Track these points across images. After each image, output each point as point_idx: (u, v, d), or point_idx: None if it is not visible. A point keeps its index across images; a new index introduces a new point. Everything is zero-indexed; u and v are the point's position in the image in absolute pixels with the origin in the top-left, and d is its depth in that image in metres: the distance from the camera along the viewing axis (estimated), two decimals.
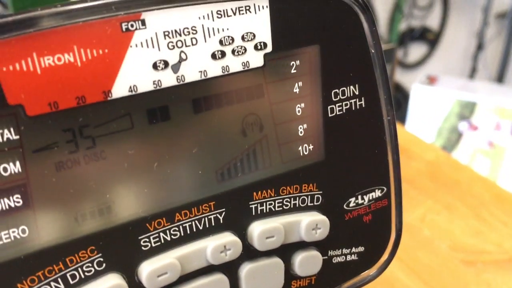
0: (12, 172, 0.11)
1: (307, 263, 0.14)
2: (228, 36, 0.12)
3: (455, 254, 0.43)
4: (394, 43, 0.62)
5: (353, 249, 0.15)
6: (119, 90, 0.11)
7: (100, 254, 0.12)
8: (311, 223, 0.14)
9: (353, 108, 0.14)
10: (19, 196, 0.11)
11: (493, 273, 0.41)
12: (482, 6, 2.06)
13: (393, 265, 0.42)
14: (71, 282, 0.12)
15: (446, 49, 2.14)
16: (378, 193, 0.16)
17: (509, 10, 2.19)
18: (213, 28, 0.12)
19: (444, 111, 1.61)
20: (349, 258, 0.15)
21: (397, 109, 1.93)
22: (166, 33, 0.12)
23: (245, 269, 0.13)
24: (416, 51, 2.12)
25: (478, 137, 1.59)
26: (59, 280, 0.12)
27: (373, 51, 0.14)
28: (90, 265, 0.12)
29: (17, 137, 0.10)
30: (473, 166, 1.63)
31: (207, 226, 0.13)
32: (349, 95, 0.14)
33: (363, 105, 0.15)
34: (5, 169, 0.11)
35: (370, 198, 0.16)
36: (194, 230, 0.13)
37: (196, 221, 0.13)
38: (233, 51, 0.12)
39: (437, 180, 0.54)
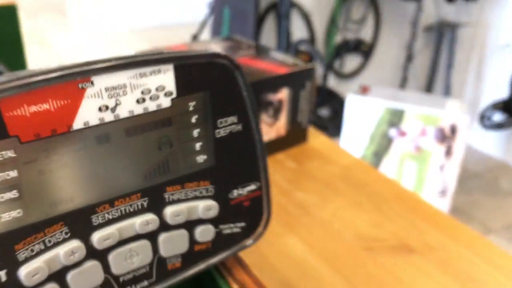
0: (12, 176, 0.17)
1: (204, 233, 0.21)
2: (147, 88, 0.19)
3: (358, 242, 0.52)
4: (313, 63, 0.71)
5: (237, 224, 0.23)
6: (77, 125, 0.18)
7: (66, 227, 0.19)
8: (205, 207, 0.21)
9: (234, 131, 0.22)
10: (16, 191, 0.17)
11: (387, 257, 0.50)
12: (410, 20, 2.21)
13: (306, 252, 0.51)
14: (48, 245, 0.18)
15: (379, 60, 2.28)
16: (253, 187, 0.24)
17: (435, 23, 2.36)
18: (137, 84, 0.19)
19: (375, 119, 1.73)
20: (234, 230, 0.23)
21: (334, 117, 2.04)
22: (107, 88, 0.19)
23: (162, 237, 0.20)
24: (351, 62, 2.24)
25: (406, 142, 1.72)
26: (41, 243, 0.18)
27: (245, 93, 0.22)
28: (60, 234, 0.18)
29: (15, 155, 0.17)
30: (403, 169, 1.75)
31: (136, 209, 0.20)
32: (230, 123, 0.22)
33: (240, 129, 0.22)
34: (8, 175, 0.17)
35: (248, 190, 0.23)
36: (127, 212, 0.20)
37: (129, 206, 0.20)
38: (150, 98, 0.20)
39: (348, 181, 0.63)
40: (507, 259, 0.50)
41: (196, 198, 0.21)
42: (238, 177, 0.22)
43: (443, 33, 2.37)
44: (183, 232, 0.21)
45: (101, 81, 0.18)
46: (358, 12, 2.15)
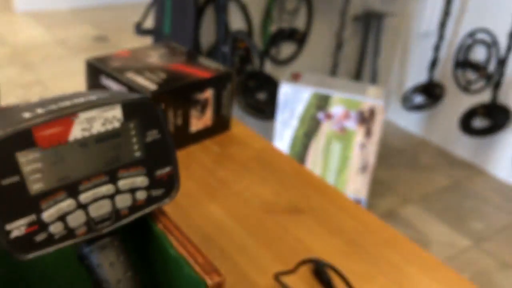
0: (38, 166, 0.33)
1: (141, 195, 0.38)
2: (106, 117, 0.35)
3: (261, 207, 0.70)
4: (232, 68, 0.87)
5: (159, 190, 0.39)
6: (70, 138, 0.34)
7: (66, 192, 0.34)
8: (141, 180, 0.37)
9: (156, 138, 0.38)
10: (40, 174, 0.33)
11: (283, 217, 0.69)
12: (340, 10, 2.40)
13: (223, 215, 0.69)
14: (56, 201, 0.34)
15: (311, 47, 2.46)
16: (168, 168, 0.40)
17: (362, 13, 2.57)
18: (101, 115, 0.35)
19: (304, 103, 1.92)
20: (158, 193, 0.39)
21: (271, 100, 2.22)
22: (86, 119, 0.34)
23: (117, 197, 0.37)
24: (286, 49, 2.42)
25: (332, 124, 1.93)
26: (52, 201, 0.34)
27: (161, 116, 0.38)
28: (61, 196, 0.34)
29: (39, 155, 0.33)
30: (330, 148, 1.96)
31: (102, 182, 0.36)
32: (153, 133, 0.38)
33: (160, 137, 0.39)
34: (36, 165, 0.33)
35: (165, 170, 0.40)
36: (98, 183, 0.36)
37: (99, 181, 0.36)
38: (109, 122, 0.35)
39: (260, 162, 0.80)
40: (366, 214, 0.70)
41: (135, 175, 0.38)
42: (159, 163, 0.39)
43: (370, 23, 2.59)
44: (129, 195, 0.37)
45: (83, 115, 0.34)
46: (291, 3, 2.32)
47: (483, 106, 2.37)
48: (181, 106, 0.77)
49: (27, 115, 0.33)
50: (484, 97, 2.38)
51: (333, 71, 2.51)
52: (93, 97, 0.36)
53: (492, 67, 2.34)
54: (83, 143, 0.35)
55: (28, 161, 0.32)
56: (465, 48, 2.43)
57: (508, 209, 2.24)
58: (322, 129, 1.94)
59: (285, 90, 1.91)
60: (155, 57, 0.83)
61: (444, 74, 2.55)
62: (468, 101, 2.43)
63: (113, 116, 0.36)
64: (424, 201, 2.28)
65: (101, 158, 0.36)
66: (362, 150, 1.92)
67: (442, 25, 2.42)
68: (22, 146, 0.32)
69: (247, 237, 0.65)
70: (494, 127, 2.37)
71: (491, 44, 2.33)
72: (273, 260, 0.61)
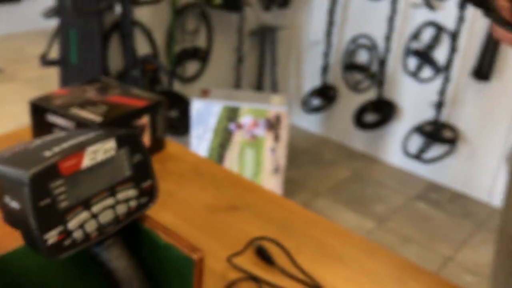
0: (63, 189, 0.44)
1: (132, 203, 0.50)
2: (105, 148, 0.48)
3: (204, 208, 0.84)
4: (162, 97, 1.00)
5: (145, 198, 0.53)
6: (82, 167, 0.46)
7: (82, 206, 0.47)
8: (132, 192, 0.50)
9: (140, 160, 0.52)
10: (64, 194, 0.45)
11: (222, 214, 0.83)
12: (236, 27, 2.59)
13: (172, 217, 0.82)
14: (76, 214, 0.46)
15: (215, 63, 2.63)
16: (149, 181, 0.53)
17: (257, 28, 2.78)
18: (102, 147, 0.47)
19: (216, 117, 2.07)
20: (145, 201, 0.52)
21: (183, 117, 2.34)
22: (92, 151, 0.46)
23: (117, 207, 0.49)
24: (192, 67, 2.57)
25: (244, 133, 2.10)
26: (73, 214, 0.46)
27: (142, 142, 0.51)
28: (79, 210, 0.46)
29: (63, 182, 0.45)
30: (244, 154, 2.13)
31: (106, 196, 0.48)
32: (138, 156, 0.51)
33: (143, 158, 0.52)
34: (61, 189, 0.44)
35: (149, 182, 0.53)
36: (103, 198, 0.48)
37: (104, 196, 0.48)
38: (108, 151, 0.48)
39: (196, 172, 0.94)
40: (290, 203, 0.86)
41: (128, 189, 0.50)
42: (143, 178, 0.52)
43: (265, 36, 2.81)
44: (125, 204, 0.50)
45: (90, 148, 0.47)
46: (191, 24, 2.47)
47: (371, 103, 2.68)
48: None
49: (47, 153, 0.45)
50: (371, 94, 2.69)
51: (237, 84, 2.70)
52: (91, 134, 0.48)
53: (374, 67, 2.65)
54: (91, 169, 0.47)
55: (56, 187, 0.44)
56: (350, 52, 2.73)
57: (402, 190, 2.55)
58: (235, 138, 2.11)
59: (197, 106, 2.05)
60: (93, 92, 0.94)
61: (335, 77, 2.83)
62: (358, 99, 2.72)
63: (110, 146, 0.49)
64: (331, 192, 2.53)
65: (104, 178, 0.48)
66: (273, 154, 2.11)
67: (328, 33, 2.70)
68: (51, 176, 0.44)
69: (198, 233, 0.79)
70: (383, 120, 2.69)
71: (372, 47, 2.65)
72: (222, 248, 0.75)
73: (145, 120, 0.92)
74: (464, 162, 2.48)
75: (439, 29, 2.37)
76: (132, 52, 2.09)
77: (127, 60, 2.11)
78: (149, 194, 0.53)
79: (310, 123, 3.07)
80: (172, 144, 1.02)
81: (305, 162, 2.79)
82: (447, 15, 2.31)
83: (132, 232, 0.54)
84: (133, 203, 0.51)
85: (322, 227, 0.81)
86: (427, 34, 2.42)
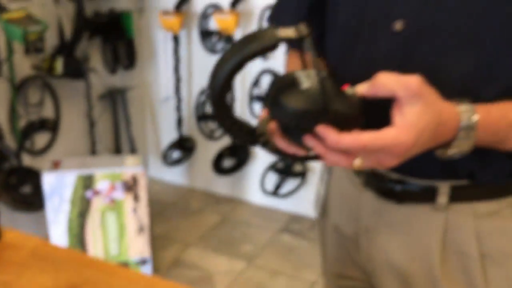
0: None
1: None
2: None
3: None
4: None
5: None
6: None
7: None
8: None
9: None
10: None
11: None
12: (83, 93, 2.60)
13: None
14: None
15: (66, 132, 2.59)
16: None
17: (106, 91, 2.81)
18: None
19: (71, 187, 2.05)
20: None
21: (37, 191, 2.28)
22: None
23: None
24: (42, 139, 2.51)
25: (102, 199, 2.10)
26: None
27: None
28: None
29: None
30: (105, 220, 2.13)
31: None
32: None
33: None
34: None
35: None
36: None
37: None
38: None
39: (36, 257, 0.96)
40: (135, 274, 0.92)
41: None
42: None
43: (116, 98, 2.85)
44: None
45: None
46: (35, 96, 2.44)
47: (227, 148, 2.83)
48: None
49: None
50: (227, 140, 2.84)
51: (93, 150, 2.68)
52: None
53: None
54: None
55: None
56: (201, 104, 2.87)
57: (266, 226, 2.71)
58: (94, 206, 2.09)
59: (48, 180, 2.02)
60: None
61: (191, 128, 2.95)
62: (216, 146, 2.86)
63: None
64: (201, 241, 2.60)
65: None
66: (135, 215, 2.14)
67: (177, 89, 2.82)
68: None
69: None
70: (240, 163, 2.84)
71: None
72: None
73: None
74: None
75: (274, 75, 2.60)
76: None
77: None
78: None
79: (174, 175, 3.14)
80: (8, 232, 1.02)
81: (173, 215, 2.84)
82: (279, 63, 2.56)
83: None
84: None
85: None
86: (265, 81, 2.64)
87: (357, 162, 0.64)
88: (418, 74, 0.64)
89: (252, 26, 2.57)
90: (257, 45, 0.62)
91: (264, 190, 2.74)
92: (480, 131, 0.66)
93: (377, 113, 0.65)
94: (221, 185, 2.99)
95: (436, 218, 0.80)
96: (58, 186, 2.03)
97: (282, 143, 0.69)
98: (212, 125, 2.87)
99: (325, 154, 0.65)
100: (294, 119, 0.63)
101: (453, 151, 0.68)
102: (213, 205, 2.92)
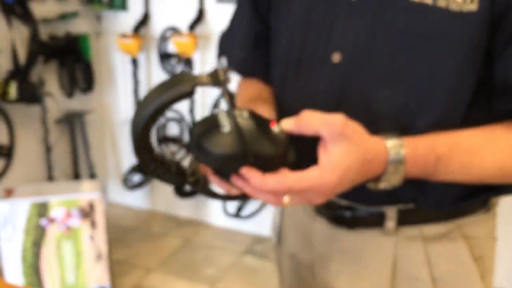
0: None
1: None
2: None
3: None
4: None
5: None
6: None
7: None
8: None
9: None
10: None
11: None
12: (39, 118, 2.53)
13: None
14: None
15: (21, 159, 2.51)
16: None
17: (63, 116, 2.76)
18: None
19: (24, 215, 1.99)
20: None
21: None
22: None
23: None
24: None
25: (57, 226, 2.04)
26: None
27: None
28: None
29: None
30: (62, 249, 2.06)
31: None
32: None
33: None
34: None
35: None
36: None
37: None
38: None
39: None
40: None
41: None
42: None
43: (73, 122, 2.79)
44: None
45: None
46: None
47: None
48: None
49: None
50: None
51: (49, 176, 2.61)
52: None
53: (186, 137, 2.80)
54: None
55: None
56: (162, 126, 2.84)
57: (229, 248, 2.68)
58: (49, 234, 2.03)
59: (1, 208, 1.95)
60: None
61: None
62: None
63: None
64: (163, 265, 2.55)
65: None
66: (92, 241, 2.08)
67: None
68: None
69: None
70: None
71: (180, 120, 2.79)
72: None
73: None
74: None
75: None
76: None
77: None
78: None
79: (136, 199, 3.09)
80: None
81: (135, 239, 2.78)
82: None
83: None
84: None
85: None
86: (225, 104, 2.64)
87: (286, 200, 0.64)
88: (342, 113, 0.64)
89: (211, 49, 2.58)
90: (174, 92, 0.63)
91: (226, 212, 2.72)
92: (408, 164, 0.67)
93: (311, 146, 0.65)
94: (183, 208, 2.96)
95: (386, 243, 0.80)
96: (10, 214, 1.96)
97: (216, 180, 0.69)
98: (173, 147, 2.84)
99: (253, 194, 0.65)
100: (217, 162, 0.63)
101: (383, 185, 0.68)
102: (175, 228, 2.88)
